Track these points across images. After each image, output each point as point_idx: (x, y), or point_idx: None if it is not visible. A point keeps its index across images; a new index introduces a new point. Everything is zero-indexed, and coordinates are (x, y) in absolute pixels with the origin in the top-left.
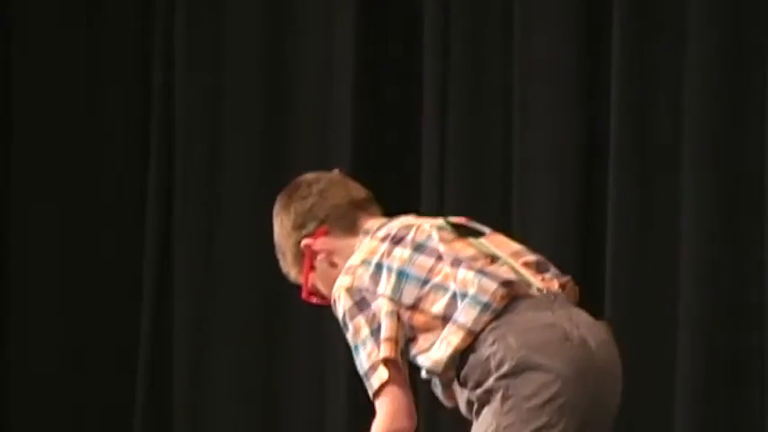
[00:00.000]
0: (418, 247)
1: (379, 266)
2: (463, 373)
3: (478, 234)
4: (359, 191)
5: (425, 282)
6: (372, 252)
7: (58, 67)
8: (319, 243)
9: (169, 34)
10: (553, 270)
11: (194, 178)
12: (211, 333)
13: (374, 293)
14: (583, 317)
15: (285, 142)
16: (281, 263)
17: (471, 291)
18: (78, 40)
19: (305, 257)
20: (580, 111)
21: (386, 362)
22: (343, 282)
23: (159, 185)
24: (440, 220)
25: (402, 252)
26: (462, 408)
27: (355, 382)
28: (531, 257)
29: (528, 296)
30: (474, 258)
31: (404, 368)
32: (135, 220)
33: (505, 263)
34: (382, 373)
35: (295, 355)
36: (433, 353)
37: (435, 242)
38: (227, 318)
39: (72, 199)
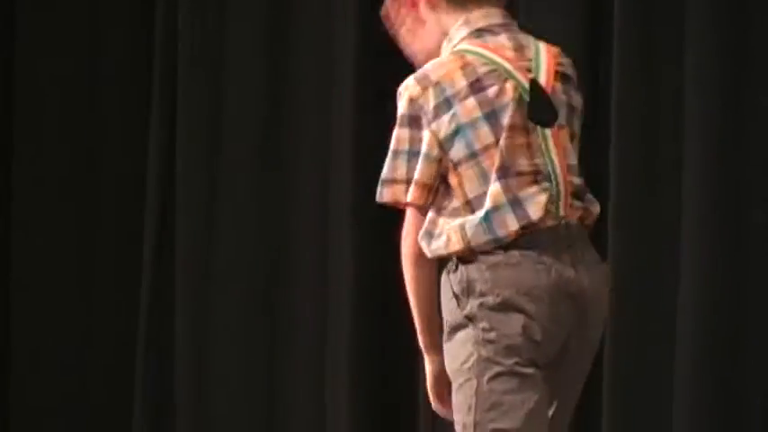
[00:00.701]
0: (489, 115)
1: (448, 103)
2: (449, 275)
3: (550, 120)
4: None
5: (473, 155)
6: (452, 80)
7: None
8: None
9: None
10: (587, 198)
11: (195, 164)
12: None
13: (429, 122)
14: (586, 258)
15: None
16: None
17: (493, 215)
18: (81, 34)
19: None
20: None
21: (414, 197)
22: (412, 88)
23: (161, 171)
24: (525, 82)
25: (474, 107)
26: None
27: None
28: (577, 180)
29: (544, 230)
30: (521, 174)
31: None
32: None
33: (548, 187)
34: (399, 195)
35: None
36: (433, 241)
37: (505, 122)
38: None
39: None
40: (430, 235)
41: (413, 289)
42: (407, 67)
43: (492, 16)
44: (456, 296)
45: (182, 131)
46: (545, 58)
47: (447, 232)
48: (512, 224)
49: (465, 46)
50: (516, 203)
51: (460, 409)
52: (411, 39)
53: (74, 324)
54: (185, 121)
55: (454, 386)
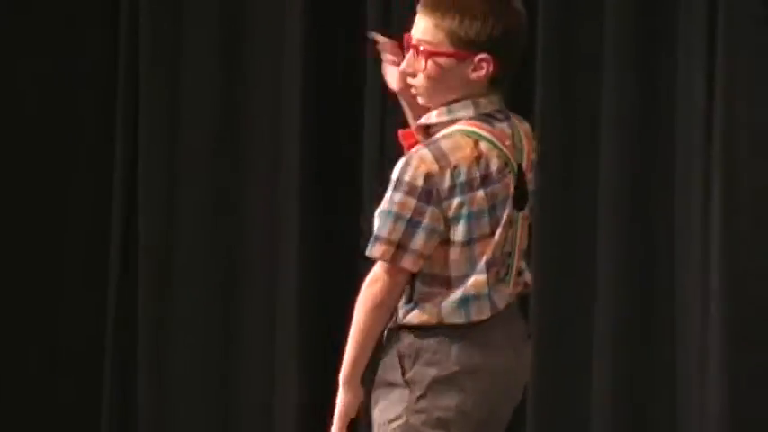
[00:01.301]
0: (492, 209)
1: (461, 188)
2: (400, 333)
3: (523, 208)
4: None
5: (469, 241)
6: (468, 168)
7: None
8: (472, 66)
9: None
10: (526, 272)
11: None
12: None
13: (441, 201)
14: (519, 335)
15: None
16: (436, 7)
17: (473, 303)
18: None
19: (456, 52)
20: None
21: (400, 266)
22: (430, 165)
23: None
24: (512, 181)
25: (482, 199)
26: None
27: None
28: (523, 261)
29: (500, 313)
30: (498, 265)
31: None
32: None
33: (506, 275)
34: (396, 257)
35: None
36: (405, 305)
37: (502, 216)
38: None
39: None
40: (407, 298)
41: (364, 329)
42: (351, 69)
43: (496, 103)
44: (400, 356)
45: (143, 134)
46: (525, 145)
47: (422, 305)
48: (485, 312)
49: (475, 129)
50: (493, 293)
51: None
52: (424, 69)
53: (43, 321)
54: (147, 123)
55: (377, 414)
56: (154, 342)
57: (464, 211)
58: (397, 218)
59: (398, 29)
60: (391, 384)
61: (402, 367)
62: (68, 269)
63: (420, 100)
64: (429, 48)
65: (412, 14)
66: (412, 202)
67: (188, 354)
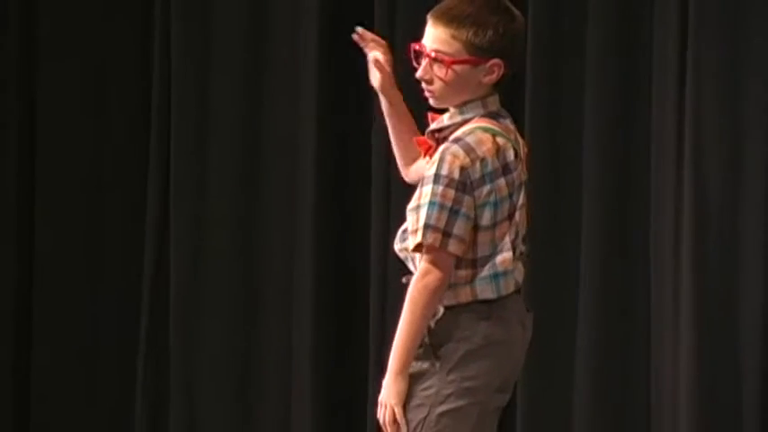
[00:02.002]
0: (510, 195)
1: (489, 177)
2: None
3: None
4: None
5: (493, 225)
6: (493, 159)
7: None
8: (484, 71)
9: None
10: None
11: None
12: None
13: (473, 189)
14: (523, 309)
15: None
16: (450, 20)
17: (502, 278)
18: (94, 38)
19: (471, 59)
20: None
21: (446, 251)
22: (463, 159)
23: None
24: (522, 170)
25: (503, 187)
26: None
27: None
28: (524, 245)
29: (517, 291)
30: (515, 245)
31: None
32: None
33: (520, 255)
34: (443, 243)
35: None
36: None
37: (518, 202)
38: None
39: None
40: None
41: (419, 319)
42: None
43: (498, 102)
44: (433, 335)
45: (176, 148)
46: (520, 139)
47: (454, 287)
48: (510, 287)
49: (489, 125)
50: (516, 270)
51: (408, 423)
52: (440, 75)
53: (84, 316)
54: (179, 137)
55: (410, 399)
56: (184, 329)
57: (491, 198)
58: (441, 208)
59: (403, 32)
60: (424, 359)
61: (435, 345)
62: (109, 263)
63: (433, 102)
64: (447, 57)
65: (417, 17)
66: (451, 192)
67: (214, 338)
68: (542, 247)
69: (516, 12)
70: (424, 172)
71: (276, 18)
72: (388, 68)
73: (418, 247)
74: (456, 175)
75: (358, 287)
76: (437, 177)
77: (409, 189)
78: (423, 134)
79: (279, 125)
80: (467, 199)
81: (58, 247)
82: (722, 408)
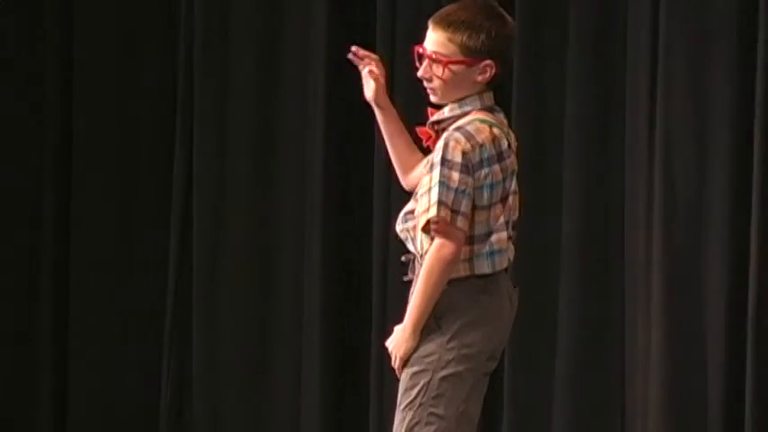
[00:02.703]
0: (503, 180)
1: (486, 162)
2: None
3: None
4: None
5: (489, 206)
6: (490, 146)
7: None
8: (478, 71)
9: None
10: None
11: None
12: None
13: (473, 172)
14: (510, 285)
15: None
16: (448, 24)
17: (497, 255)
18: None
19: (466, 60)
20: None
21: (455, 225)
22: (465, 144)
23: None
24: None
25: (498, 172)
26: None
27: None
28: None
29: (507, 268)
30: (507, 227)
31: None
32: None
33: (509, 239)
34: (453, 219)
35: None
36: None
37: (510, 187)
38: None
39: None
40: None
41: (434, 286)
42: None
43: (492, 98)
44: (436, 307)
45: (198, 148)
46: (512, 132)
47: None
48: (504, 263)
49: (486, 117)
50: (509, 249)
51: (412, 386)
52: (439, 74)
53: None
54: (200, 141)
55: (414, 365)
56: (206, 299)
57: (488, 180)
58: (449, 188)
59: (402, 40)
60: (427, 329)
61: (437, 316)
62: (138, 247)
63: (433, 98)
64: (444, 58)
65: (415, 26)
66: (456, 174)
67: (233, 311)
68: (527, 230)
69: (508, 17)
70: (422, 179)
71: (287, 38)
72: (381, 80)
73: (426, 227)
74: (458, 158)
75: (361, 268)
76: (443, 161)
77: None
78: (416, 139)
79: (290, 130)
80: (469, 180)
81: (93, 229)
82: (689, 369)
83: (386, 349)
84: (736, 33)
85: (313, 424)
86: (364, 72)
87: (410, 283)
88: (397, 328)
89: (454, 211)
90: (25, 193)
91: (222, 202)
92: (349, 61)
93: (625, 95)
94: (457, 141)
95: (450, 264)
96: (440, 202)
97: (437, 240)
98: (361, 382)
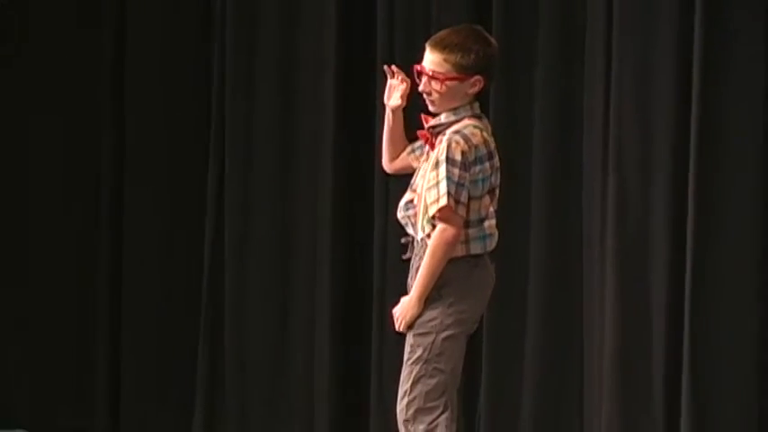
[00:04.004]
0: (491, 175)
1: (480, 160)
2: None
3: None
4: None
5: (480, 197)
6: (482, 147)
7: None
8: (469, 85)
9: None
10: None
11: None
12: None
13: (469, 168)
14: (490, 262)
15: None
16: (443, 47)
17: (488, 238)
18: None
19: (459, 76)
20: None
21: (457, 213)
22: (463, 145)
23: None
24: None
25: (488, 169)
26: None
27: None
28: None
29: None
30: (493, 216)
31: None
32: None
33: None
34: (456, 207)
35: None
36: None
37: (496, 182)
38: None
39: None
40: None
41: (438, 262)
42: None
43: (478, 107)
44: (443, 279)
45: (229, 152)
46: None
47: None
48: (492, 245)
49: (477, 123)
50: (496, 234)
51: (418, 345)
52: (437, 88)
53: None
54: (231, 145)
55: (419, 328)
56: (237, 275)
57: (480, 175)
58: (451, 182)
59: (402, 57)
60: (431, 299)
61: (438, 287)
62: (179, 232)
63: (431, 108)
64: (441, 75)
65: (411, 46)
66: (456, 171)
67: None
68: (503, 219)
69: (493, 40)
70: (406, 163)
71: (302, 56)
72: (405, 100)
73: (433, 215)
74: (459, 157)
75: (364, 252)
76: (447, 159)
77: (401, 178)
78: (410, 138)
79: (305, 137)
80: (466, 175)
81: (145, 213)
82: (636, 333)
83: (391, 315)
84: (676, 58)
85: (323, 377)
86: (394, 82)
87: (408, 261)
88: (404, 299)
89: (456, 201)
90: (84, 196)
91: (249, 193)
92: (383, 72)
93: (583, 112)
94: (457, 143)
95: (451, 245)
96: (448, 194)
97: (441, 225)
98: (364, 341)
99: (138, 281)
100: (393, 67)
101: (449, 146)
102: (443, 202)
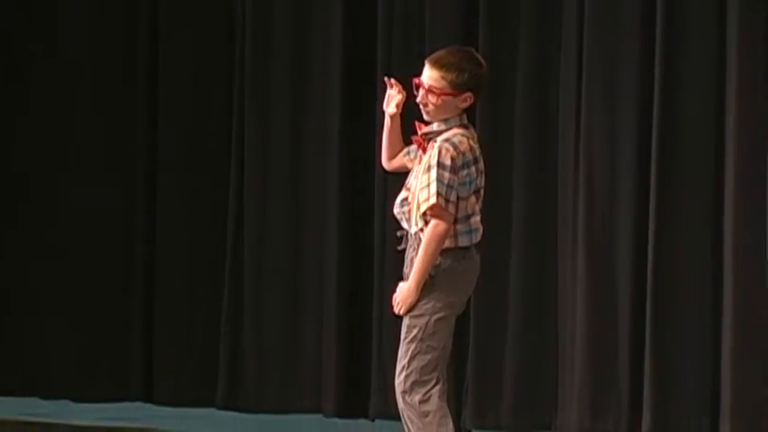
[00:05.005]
0: (476, 179)
1: (467, 165)
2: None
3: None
4: None
5: (467, 197)
6: (468, 153)
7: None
8: (461, 100)
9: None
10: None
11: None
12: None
13: (458, 172)
14: (476, 253)
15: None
16: (441, 66)
17: (474, 233)
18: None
19: (453, 92)
20: None
21: (447, 210)
22: (452, 151)
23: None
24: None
25: (473, 173)
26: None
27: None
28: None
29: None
30: (478, 213)
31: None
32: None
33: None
34: (446, 206)
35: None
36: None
37: (481, 184)
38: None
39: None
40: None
41: (431, 254)
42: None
43: (466, 118)
44: (435, 268)
45: (248, 150)
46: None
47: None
48: (477, 239)
49: (465, 132)
50: (481, 229)
51: (414, 326)
52: (433, 101)
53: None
54: (250, 144)
55: (415, 311)
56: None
57: (467, 178)
58: (442, 183)
59: (399, 68)
60: (425, 285)
61: (432, 276)
62: (201, 220)
63: (426, 117)
64: (438, 90)
65: (409, 59)
66: (446, 174)
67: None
68: (487, 216)
69: (483, 61)
70: (402, 164)
71: (311, 71)
72: (400, 101)
73: (426, 211)
74: (448, 162)
75: (366, 239)
76: (439, 164)
77: (397, 176)
78: (406, 140)
79: (315, 140)
80: (455, 178)
81: (176, 205)
82: (604, 309)
83: (390, 299)
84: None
85: (331, 351)
86: (392, 92)
87: (403, 251)
88: (401, 285)
89: (446, 200)
90: (120, 200)
91: (266, 186)
92: (383, 82)
93: (558, 124)
94: (447, 149)
95: (442, 238)
96: (437, 194)
97: (433, 221)
98: (365, 322)
99: (169, 267)
100: (392, 79)
101: (440, 152)
102: (433, 200)
